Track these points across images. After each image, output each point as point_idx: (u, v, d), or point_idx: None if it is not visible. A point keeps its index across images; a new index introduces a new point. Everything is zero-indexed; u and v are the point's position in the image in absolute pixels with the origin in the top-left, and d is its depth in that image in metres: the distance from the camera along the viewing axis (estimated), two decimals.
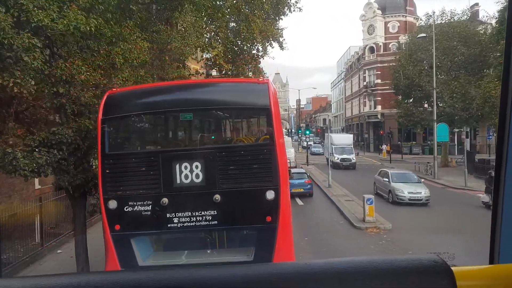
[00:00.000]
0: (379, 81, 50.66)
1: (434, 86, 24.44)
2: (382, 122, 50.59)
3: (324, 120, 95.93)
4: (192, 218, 4.85)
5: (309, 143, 44.93)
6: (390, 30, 50.48)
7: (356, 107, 60.35)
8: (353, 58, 61.04)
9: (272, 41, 20.97)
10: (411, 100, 32.93)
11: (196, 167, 4.82)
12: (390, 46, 50.55)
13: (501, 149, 1.27)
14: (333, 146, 28.16)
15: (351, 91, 63.06)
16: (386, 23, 50.42)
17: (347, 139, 34.11)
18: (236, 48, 22.49)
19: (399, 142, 48.22)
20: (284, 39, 21.42)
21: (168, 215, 4.86)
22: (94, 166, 6.42)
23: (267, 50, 22.45)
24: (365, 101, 53.15)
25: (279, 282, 0.96)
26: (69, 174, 6.11)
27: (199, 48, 15.07)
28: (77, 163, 6.26)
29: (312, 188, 18.59)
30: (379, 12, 49.90)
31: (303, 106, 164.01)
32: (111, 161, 5.11)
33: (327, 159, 29.91)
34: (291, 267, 1.05)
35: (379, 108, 50.89)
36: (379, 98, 50.84)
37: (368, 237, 11.74)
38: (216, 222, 4.88)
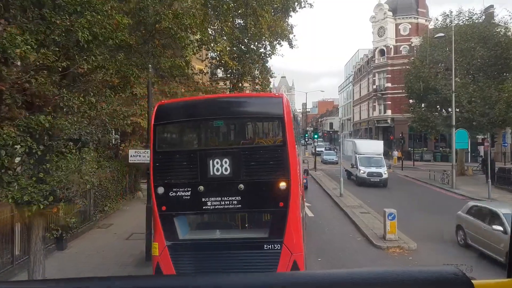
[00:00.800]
0: (389, 84, 49.09)
1: (453, 89, 22.84)
2: (392, 127, 48.94)
3: (331, 124, 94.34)
4: (221, 202, 6.09)
5: (318, 149, 42.21)
6: (401, 32, 48.96)
7: (364, 111, 58.74)
8: (362, 61, 59.53)
9: (281, 39, 19.59)
10: (424, 104, 31.36)
11: (225, 162, 6.08)
12: (401, 49, 49.02)
13: None
14: (357, 156, 24.06)
15: (360, 95, 61.50)
16: (397, 25, 48.91)
17: (376, 146, 26.78)
18: (242, 47, 21.18)
19: (409, 148, 46.57)
20: (294, 36, 20.04)
21: (203, 199, 6.10)
22: (56, 176, 5.05)
23: (276, 48, 21.12)
24: (375, 105, 51.55)
25: None
26: (12, 186, 4.71)
27: (199, 43, 13.66)
28: (28, 172, 4.90)
29: (307, 182, 20.15)
30: (390, 13, 48.44)
31: (309, 110, 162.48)
32: (160, 157, 6.39)
33: (348, 172, 25.73)
34: (309, 276, 1.02)
35: (389, 112, 49.27)
36: (389, 102, 49.25)
37: (390, 259, 10.25)
38: (240, 206, 6.16)
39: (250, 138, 7.38)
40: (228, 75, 25.57)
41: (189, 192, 6.11)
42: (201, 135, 7.43)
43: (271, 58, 23.05)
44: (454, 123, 22.74)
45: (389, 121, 49.12)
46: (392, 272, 1.03)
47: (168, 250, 6.11)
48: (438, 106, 29.68)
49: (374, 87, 50.97)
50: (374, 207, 16.98)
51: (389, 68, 48.97)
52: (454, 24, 27.47)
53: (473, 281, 0.96)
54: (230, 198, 6.12)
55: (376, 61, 50.59)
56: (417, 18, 48.29)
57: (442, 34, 24.26)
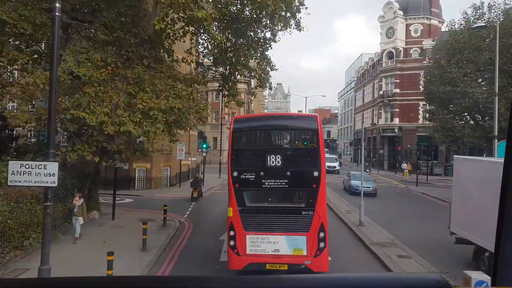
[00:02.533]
0: (397, 90, 44.77)
1: (496, 90, 18.34)
2: (399, 137, 44.50)
3: (329, 132, 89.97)
4: (274, 182, 9.24)
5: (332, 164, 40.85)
6: (412, 33, 44.80)
7: (368, 119, 54.33)
8: (367, 65, 55.31)
9: (287, 11, 14.94)
10: (445, 111, 26.89)
11: (278, 157, 9.24)
12: (411, 51, 44.83)
13: (508, 170, 1.23)
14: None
15: (363, 102, 57.18)
16: (407, 26, 44.77)
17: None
18: (234, 11, 16.37)
19: (418, 161, 42.16)
20: (306, 8, 15.43)
21: (262, 180, 9.23)
22: None
23: (281, 27, 16.44)
24: (381, 112, 47.16)
25: None
26: None
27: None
28: None
29: None
30: (400, 13, 44.31)
31: None
32: (235, 152, 9.57)
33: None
34: (279, 281, 1.05)
35: (396, 121, 44.87)
36: (397, 110, 44.88)
37: None
38: (287, 186, 9.28)
39: (295, 142, 10.32)
40: (217, 69, 20.94)
41: (254, 175, 9.27)
42: (262, 139, 10.29)
43: (271, 47, 18.35)
44: (496, 133, 18.14)
45: (396, 130, 44.72)
46: (377, 278, 1.06)
47: (238, 213, 9.25)
48: (465, 113, 25.16)
49: (381, 92, 46.64)
50: (412, 244, 12.27)
51: (398, 72, 44.69)
52: (484, 19, 23.21)
53: None
54: (280, 180, 9.27)
55: (384, 65, 46.34)
56: (430, 18, 44.22)
57: (483, 24, 19.83)
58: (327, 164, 40.05)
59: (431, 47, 42.53)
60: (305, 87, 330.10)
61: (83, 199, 12.17)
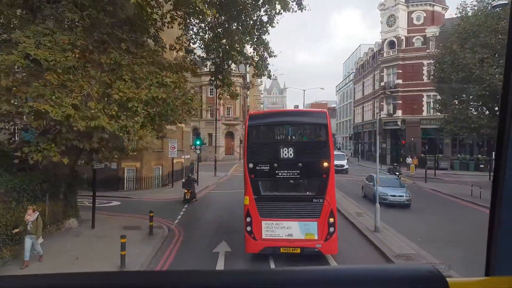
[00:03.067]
0: (400, 81, 42.84)
1: None
2: (402, 130, 42.65)
3: None
4: (287, 173, 9.95)
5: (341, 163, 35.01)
6: (414, 21, 42.82)
7: (369, 112, 52.47)
8: (367, 56, 53.32)
9: None
10: (457, 101, 25.00)
11: (290, 149, 9.97)
12: (413, 40, 42.88)
13: (500, 155, 1.23)
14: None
15: (363, 94, 55.25)
16: (409, 13, 42.76)
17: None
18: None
19: (422, 155, 40.41)
20: None
21: (276, 171, 9.97)
22: None
23: (280, 8, 14.47)
24: (382, 104, 45.25)
25: None
26: None
27: None
28: None
29: None
30: (402, 0, 42.27)
31: None
32: (251, 145, 10.27)
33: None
34: (277, 274, 1.07)
35: (399, 113, 43.00)
36: (400, 102, 42.99)
37: None
38: (298, 176, 10.02)
39: (306, 136, 10.81)
40: (208, 57, 18.85)
41: (268, 167, 10.00)
42: (275, 133, 10.67)
43: (268, 32, 16.30)
44: None
45: (399, 123, 42.84)
46: (369, 270, 1.06)
47: (254, 201, 9.98)
48: (480, 102, 23.25)
49: (382, 84, 44.70)
50: (441, 254, 10.38)
51: (400, 62, 42.74)
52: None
53: (448, 279, 0.97)
54: (293, 171, 9.95)
55: (385, 55, 44.36)
56: (433, 5, 42.22)
57: (506, 1, 17.85)
58: (334, 162, 34.84)
59: (435, 34, 40.63)
60: (301, 81, 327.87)
61: (38, 213, 10.05)
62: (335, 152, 36.01)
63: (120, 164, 26.18)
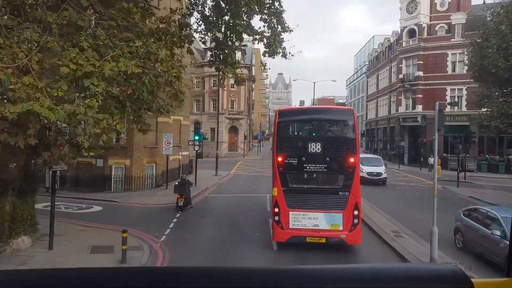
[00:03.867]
0: (421, 73, 39.03)
1: None
2: (423, 127, 38.92)
3: None
4: (315, 166, 10.40)
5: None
6: (438, 7, 38.92)
7: (383, 107, 48.72)
8: (382, 47, 49.44)
9: None
10: (498, 93, 21.29)
11: (318, 144, 10.43)
12: (436, 28, 39.00)
13: None
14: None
15: (377, 88, 51.44)
16: None
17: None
18: None
19: (444, 154, 36.74)
20: None
21: (304, 164, 10.42)
22: None
23: None
24: (400, 99, 41.47)
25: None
26: None
27: None
28: None
29: None
30: None
31: None
32: (280, 140, 10.76)
33: None
34: (302, 271, 1.01)
35: (419, 108, 39.25)
36: (420, 96, 39.21)
37: None
38: (326, 169, 10.46)
39: (333, 132, 11.10)
40: (209, 29, 15.28)
41: (296, 160, 10.43)
42: (304, 129, 11.10)
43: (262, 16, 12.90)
44: None
45: (419, 119, 39.11)
46: (391, 269, 1.05)
47: (282, 192, 10.39)
48: None
49: (401, 76, 40.89)
50: None
51: (421, 52, 38.89)
52: None
53: (472, 279, 0.95)
54: (320, 165, 10.39)
55: (404, 44, 40.51)
56: None
57: None
58: (368, 168, 25.39)
59: (461, 22, 36.76)
60: (306, 77, 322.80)
61: None
62: (367, 155, 30.43)
63: (106, 161, 22.83)
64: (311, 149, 10.40)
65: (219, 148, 50.41)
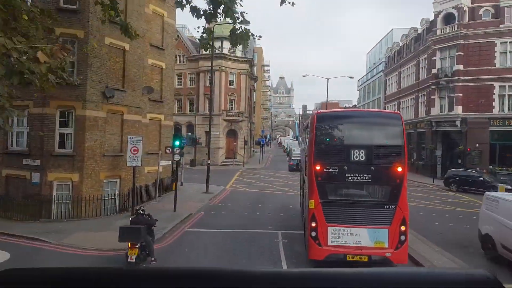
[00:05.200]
0: (460, 67, 32.05)
1: None
2: (463, 133, 31.86)
3: None
4: (358, 177, 9.44)
5: None
6: None
7: (408, 109, 41.71)
8: (407, 39, 42.52)
9: None
10: None
11: (361, 152, 9.44)
12: (480, 12, 32.08)
13: None
14: None
15: (398, 87, 44.48)
16: None
17: None
18: None
19: (491, 166, 29.74)
20: None
21: (346, 174, 9.44)
22: None
23: None
24: (433, 98, 34.43)
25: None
26: None
27: None
28: None
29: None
30: None
31: (310, 112, 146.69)
32: (318, 146, 9.80)
33: None
34: (322, 274, 0.99)
35: (458, 109, 32.21)
36: (459, 95, 32.18)
37: None
38: (370, 180, 9.58)
39: (379, 138, 10.00)
40: None
41: (337, 169, 9.48)
42: (346, 134, 10.11)
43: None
44: None
45: (458, 123, 32.06)
46: (419, 273, 1.03)
47: (320, 205, 9.43)
48: None
49: (434, 71, 33.90)
50: None
51: (462, 41, 31.95)
52: None
53: (505, 285, 0.91)
54: (364, 175, 9.45)
55: (439, 32, 33.59)
56: None
57: None
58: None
59: None
60: (309, 81, 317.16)
61: None
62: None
63: (45, 175, 15.73)
64: (354, 157, 9.53)
65: (215, 155, 43.24)
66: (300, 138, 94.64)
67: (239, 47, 45.27)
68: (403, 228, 9.26)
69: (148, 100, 19.70)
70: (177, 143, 16.46)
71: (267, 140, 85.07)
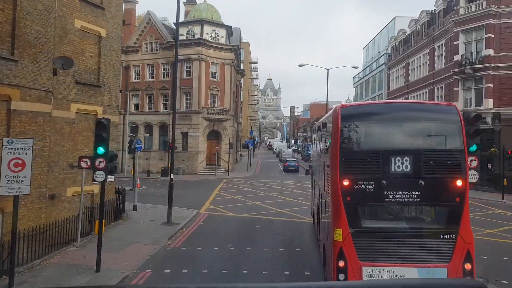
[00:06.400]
0: (490, 52, 26.28)
1: None
2: (495, 132, 26.00)
3: None
4: (402, 195, 6.94)
5: None
6: None
7: None
8: (416, 25, 36.67)
9: None
10: None
11: (406, 160, 6.99)
12: None
13: None
14: None
15: (406, 81, 38.62)
16: None
17: None
18: None
19: None
20: None
21: (385, 192, 6.94)
22: None
23: None
24: (456, 90, 28.56)
25: None
26: None
27: None
28: None
29: (299, 167, 38.91)
30: None
31: (299, 113, 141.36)
32: (345, 153, 7.22)
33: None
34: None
35: (489, 104, 26.40)
36: (490, 86, 26.39)
37: None
38: (419, 199, 7.01)
39: (430, 140, 7.68)
40: None
41: (372, 185, 6.95)
42: (384, 135, 7.65)
43: None
44: None
45: (489, 119, 26.20)
46: (413, 284, 0.99)
47: (351, 236, 6.85)
48: None
49: (457, 58, 28.04)
50: None
51: (492, 21, 26.21)
52: None
53: None
54: (410, 192, 6.94)
55: (462, 12, 27.78)
56: None
57: None
58: None
59: None
60: (297, 83, 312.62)
61: None
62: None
63: None
64: (396, 168, 7.00)
65: (194, 162, 36.46)
66: (291, 141, 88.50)
67: (222, 33, 38.88)
68: (467, 266, 6.85)
69: (75, 83, 13.06)
70: (100, 150, 9.75)
71: (255, 143, 78.75)
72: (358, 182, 7.08)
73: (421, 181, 6.97)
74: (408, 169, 7.02)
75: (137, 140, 19.10)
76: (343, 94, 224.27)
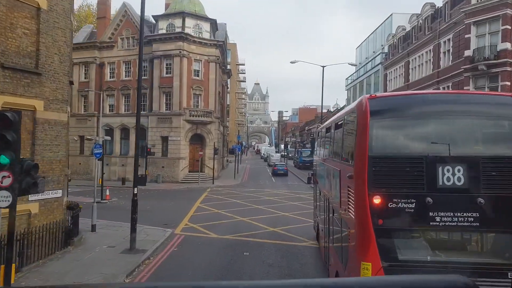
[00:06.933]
0: (507, 45, 23.50)
1: None
2: None
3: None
4: (453, 218, 5.25)
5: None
6: None
7: None
8: (418, 20, 33.94)
9: None
10: None
11: (458, 171, 5.30)
12: None
13: None
14: None
15: (406, 81, 35.80)
16: None
17: None
18: None
19: None
20: None
21: (430, 213, 5.29)
22: None
23: None
24: (467, 89, 25.67)
25: None
26: None
27: None
28: None
29: (287, 171, 40.90)
30: None
31: (287, 117, 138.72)
32: (376, 161, 5.57)
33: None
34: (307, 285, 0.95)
35: None
36: (508, 84, 23.57)
37: None
38: (477, 224, 5.27)
39: (490, 143, 6.14)
40: None
41: (413, 204, 5.37)
42: (427, 136, 5.93)
43: None
44: None
45: (506, 124, 23.29)
46: (401, 281, 1.00)
47: (384, 273, 5.32)
48: None
49: (468, 53, 25.23)
50: None
51: (509, 11, 23.47)
52: None
53: None
54: (464, 214, 5.32)
55: (474, 1, 25.01)
56: None
57: None
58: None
59: None
60: (285, 86, 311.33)
61: None
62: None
63: None
64: (446, 181, 5.31)
65: (175, 169, 32.56)
66: (280, 146, 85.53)
67: (206, 27, 35.41)
68: None
69: (0, 67, 9.45)
70: (4, 158, 6.18)
71: (243, 148, 75.32)
72: (394, 200, 5.51)
73: (480, 199, 5.42)
74: (462, 183, 5.45)
75: (96, 144, 15.39)
76: (331, 98, 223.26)
